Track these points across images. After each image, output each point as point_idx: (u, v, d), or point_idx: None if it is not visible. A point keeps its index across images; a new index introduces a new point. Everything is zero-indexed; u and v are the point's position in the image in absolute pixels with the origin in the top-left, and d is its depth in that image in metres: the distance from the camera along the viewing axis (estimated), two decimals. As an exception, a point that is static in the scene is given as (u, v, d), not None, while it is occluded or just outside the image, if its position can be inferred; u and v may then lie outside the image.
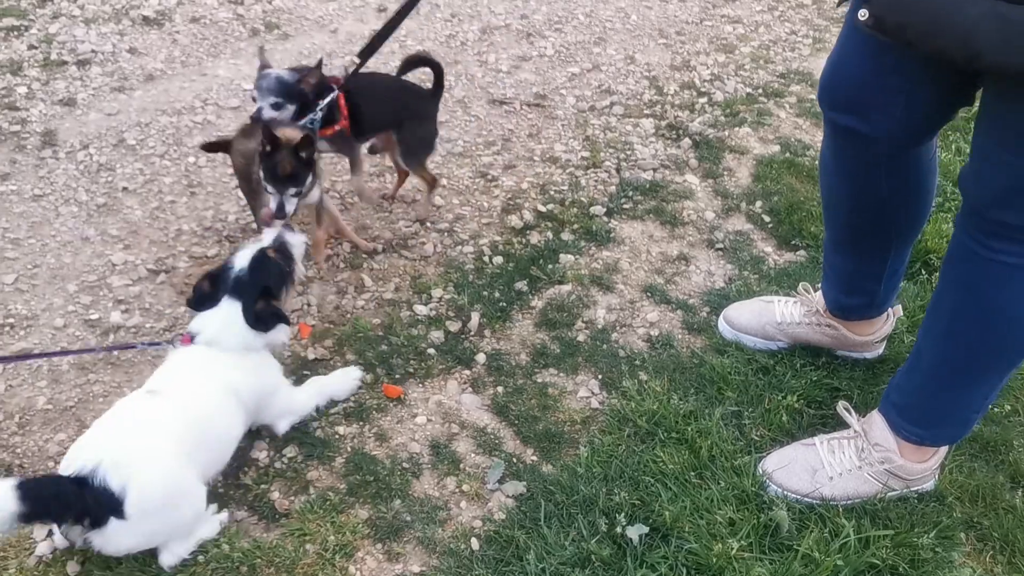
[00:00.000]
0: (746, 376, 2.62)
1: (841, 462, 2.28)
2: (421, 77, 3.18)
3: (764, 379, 2.62)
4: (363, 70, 2.87)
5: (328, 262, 3.02)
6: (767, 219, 3.45)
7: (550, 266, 3.06)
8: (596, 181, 3.59)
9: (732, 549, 2.07)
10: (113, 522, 1.84)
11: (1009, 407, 2.63)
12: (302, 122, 2.76)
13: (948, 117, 2.09)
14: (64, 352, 2.57)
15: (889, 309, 2.64)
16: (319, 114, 2.77)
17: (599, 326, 2.85)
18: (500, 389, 2.59)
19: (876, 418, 2.29)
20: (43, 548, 2.03)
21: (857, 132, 2.11)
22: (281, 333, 2.32)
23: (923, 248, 3.13)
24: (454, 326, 2.79)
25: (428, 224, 3.25)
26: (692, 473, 2.29)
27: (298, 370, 2.56)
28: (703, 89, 4.40)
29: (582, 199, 3.46)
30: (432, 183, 3.23)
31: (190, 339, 2.20)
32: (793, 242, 3.33)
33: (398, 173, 3.33)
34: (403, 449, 2.38)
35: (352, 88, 2.87)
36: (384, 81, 3.12)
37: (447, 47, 4.51)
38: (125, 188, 3.26)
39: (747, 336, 2.75)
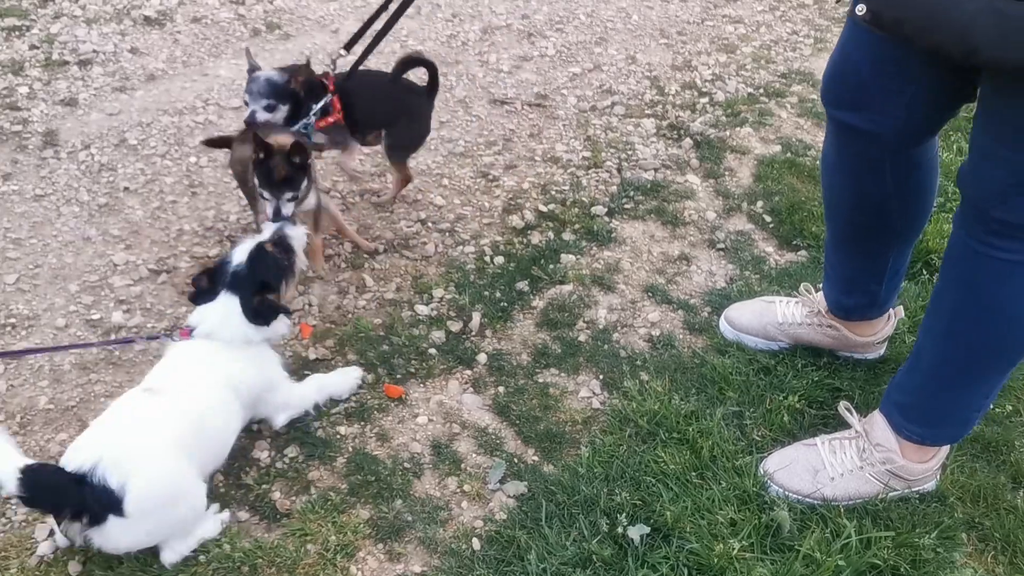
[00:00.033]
0: (747, 376, 2.62)
1: (842, 462, 2.27)
2: (422, 77, 3.18)
3: (765, 379, 2.62)
4: (360, 68, 2.87)
5: (329, 262, 3.02)
6: (768, 219, 3.45)
7: (551, 266, 3.07)
8: (597, 181, 3.59)
9: (733, 549, 2.07)
10: (112, 520, 1.84)
11: (1011, 407, 2.63)
12: (295, 127, 2.76)
13: (950, 114, 2.09)
14: (63, 347, 2.57)
15: (890, 310, 2.64)
16: (312, 119, 2.76)
17: (600, 326, 2.85)
18: (501, 389, 2.59)
19: (877, 418, 2.29)
20: (44, 548, 2.03)
21: (859, 130, 2.11)
22: (281, 326, 2.32)
23: (924, 248, 3.13)
24: (455, 326, 2.79)
25: (430, 224, 3.25)
26: (693, 473, 2.29)
27: (299, 370, 2.56)
28: (704, 89, 4.40)
29: (583, 199, 3.46)
30: (406, 181, 3.25)
31: (189, 333, 2.19)
32: (794, 242, 3.33)
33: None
34: (404, 449, 2.38)
35: (347, 88, 2.86)
36: (379, 79, 3.11)
37: (448, 47, 4.51)
38: (126, 188, 3.26)
39: (748, 336, 2.75)
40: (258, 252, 2.27)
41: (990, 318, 1.98)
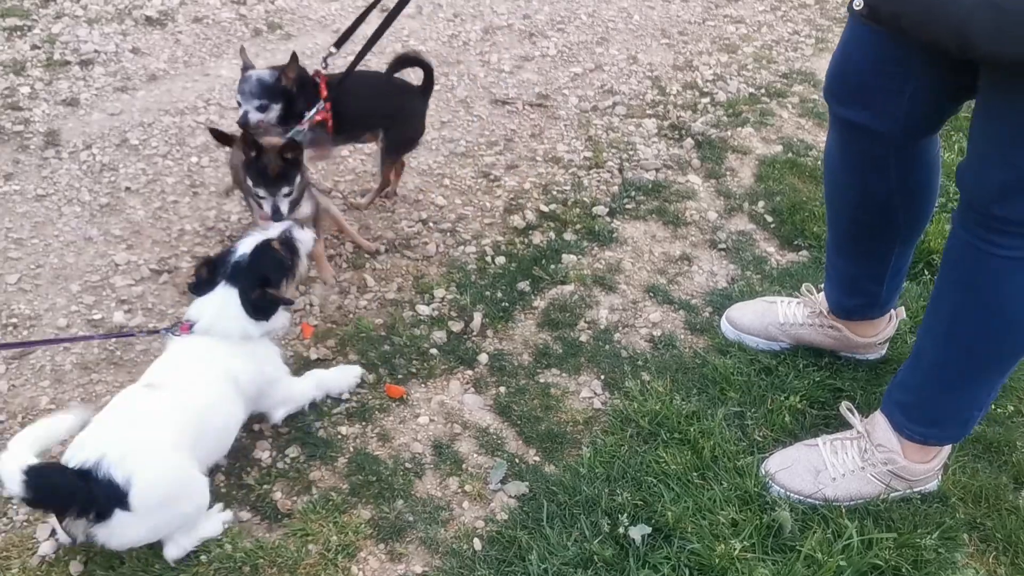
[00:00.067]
0: (749, 376, 2.62)
1: (844, 463, 2.27)
2: (415, 76, 3.18)
3: (767, 379, 2.62)
4: (357, 68, 2.86)
5: (331, 262, 3.02)
6: (770, 219, 3.45)
7: (552, 266, 3.06)
8: (598, 181, 3.59)
9: (735, 550, 2.07)
10: (118, 514, 1.84)
11: (1012, 408, 2.63)
12: (288, 134, 2.76)
13: (952, 111, 2.09)
14: (62, 339, 2.56)
15: (892, 311, 2.64)
16: (305, 127, 2.76)
17: (601, 326, 2.85)
18: (502, 389, 2.59)
19: (879, 419, 2.29)
20: (46, 548, 2.03)
21: (862, 126, 2.12)
22: (280, 320, 2.31)
23: (926, 248, 3.13)
24: (456, 326, 2.79)
25: (431, 224, 3.25)
26: (695, 474, 2.29)
27: (301, 370, 2.55)
28: (706, 89, 4.40)
29: (584, 199, 3.46)
30: (386, 184, 3.25)
31: (189, 327, 2.18)
32: (796, 242, 3.33)
33: (394, 170, 3.32)
34: (406, 449, 2.38)
35: (343, 89, 2.86)
36: (376, 80, 3.11)
37: (449, 47, 4.51)
38: (128, 188, 3.26)
39: (749, 337, 2.75)
40: (263, 248, 2.26)
41: (991, 316, 1.97)
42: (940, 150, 2.26)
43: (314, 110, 2.79)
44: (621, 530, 2.13)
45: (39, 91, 3.72)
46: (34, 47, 4.00)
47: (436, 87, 4.09)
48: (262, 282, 2.21)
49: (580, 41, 4.74)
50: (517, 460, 2.38)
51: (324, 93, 2.84)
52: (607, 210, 3.39)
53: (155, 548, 2.01)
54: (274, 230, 2.37)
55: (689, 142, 3.88)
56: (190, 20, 4.41)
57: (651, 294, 3.02)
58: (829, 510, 2.22)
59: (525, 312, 2.89)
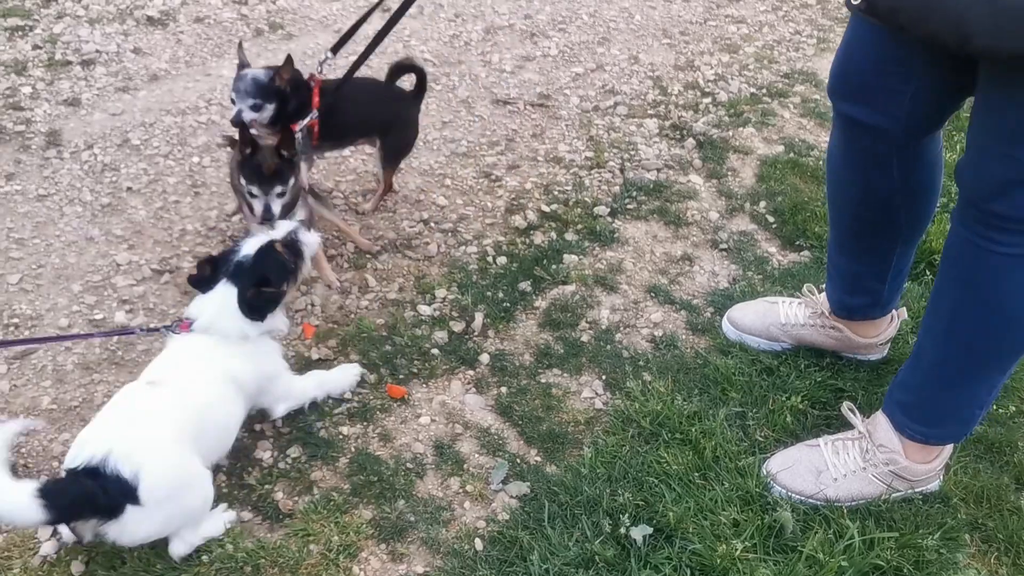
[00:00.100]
0: (750, 377, 2.62)
1: (845, 463, 2.27)
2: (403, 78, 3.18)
3: (768, 380, 2.62)
4: (355, 75, 2.87)
5: (332, 262, 3.02)
6: (771, 219, 3.45)
7: (554, 266, 3.06)
8: (600, 181, 3.59)
9: (736, 550, 2.07)
10: (129, 510, 1.85)
11: (1014, 408, 2.63)
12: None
13: (954, 108, 2.09)
14: (62, 337, 2.56)
15: (893, 311, 2.63)
16: (301, 136, 2.75)
17: (603, 326, 2.85)
18: (504, 389, 2.59)
19: (880, 419, 2.29)
20: (47, 548, 2.03)
21: (865, 124, 2.12)
22: (278, 321, 2.30)
23: (927, 248, 3.13)
24: (458, 326, 2.79)
25: (432, 224, 3.25)
26: (696, 474, 2.29)
27: (302, 370, 2.55)
28: (707, 89, 4.40)
29: (586, 199, 3.45)
30: (388, 189, 3.25)
31: (188, 326, 2.18)
32: (797, 242, 3.33)
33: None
34: (407, 449, 2.38)
35: (337, 99, 2.85)
36: (373, 87, 3.10)
37: (451, 47, 4.51)
38: (129, 188, 3.26)
39: (751, 337, 2.75)
40: (267, 249, 2.25)
41: (990, 313, 1.97)
42: (942, 149, 2.26)
43: (308, 118, 2.78)
44: (622, 530, 2.13)
45: (40, 91, 3.72)
46: (36, 47, 4.01)
47: (438, 87, 4.12)
48: (261, 282, 2.20)
49: (581, 41, 4.74)
50: (518, 460, 2.38)
51: (316, 100, 2.83)
52: (608, 210, 3.39)
53: (156, 548, 2.01)
54: (279, 231, 2.36)
55: (690, 142, 3.88)
56: (191, 20, 4.41)
57: (652, 294, 3.02)
58: (831, 510, 2.22)
59: (526, 312, 2.89)
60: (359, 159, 3.59)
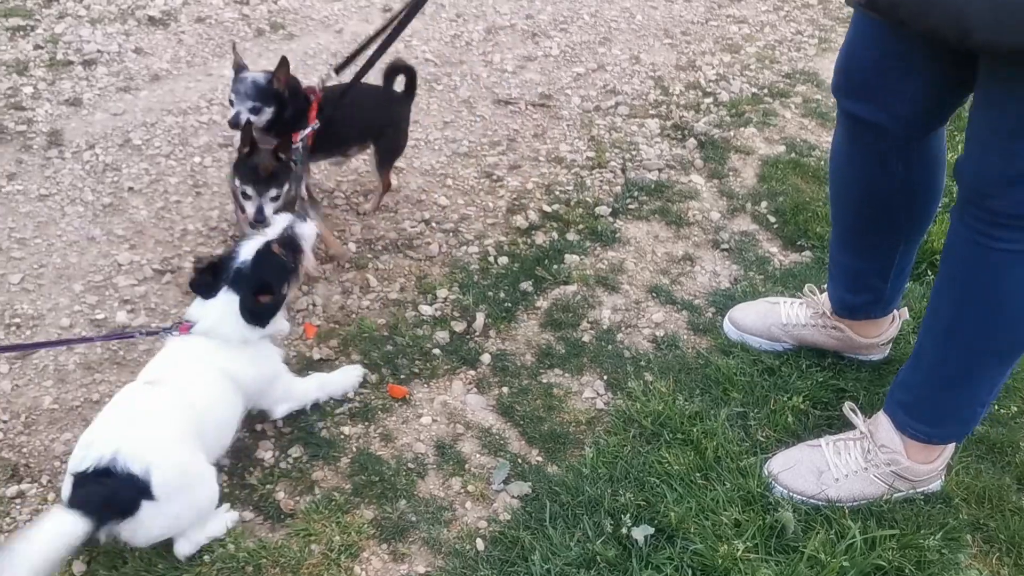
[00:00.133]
0: (752, 377, 2.62)
1: (847, 463, 2.27)
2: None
3: (770, 380, 2.61)
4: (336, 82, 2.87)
5: (333, 262, 3.02)
6: (772, 219, 3.45)
7: (555, 266, 3.06)
8: (601, 181, 3.59)
9: (738, 550, 2.07)
10: (145, 507, 1.86)
11: (1016, 408, 2.63)
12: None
13: (956, 104, 2.09)
14: (62, 342, 2.56)
15: (895, 311, 2.63)
16: (300, 144, 2.75)
17: (604, 326, 2.85)
18: (505, 389, 2.59)
19: (882, 419, 2.29)
20: (49, 548, 2.03)
21: (868, 121, 2.13)
22: (280, 325, 2.31)
23: (929, 248, 3.12)
24: (459, 326, 2.79)
25: (434, 224, 3.25)
26: (698, 474, 2.29)
27: (303, 370, 2.55)
28: (708, 89, 4.40)
29: (587, 199, 3.45)
30: (387, 188, 3.25)
31: (188, 327, 2.19)
32: (799, 242, 3.33)
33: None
34: (408, 449, 2.38)
35: (335, 109, 2.85)
36: (366, 92, 3.09)
37: (452, 47, 4.51)
38: (131, 188, 3.26)
39: (752, 337, 2.75)
40: (264, 252, 2.25)
41: (992, 311, 1.97)
42: (945, 146, 2.26)
43: (308, 130, 2.78)
44: (624, 531, 2.13)
45: (42, 91, 3.72)
46: (37, 47, 4.01)
47: (439, 87, 4.12)
48: (262, 290, 2.20)
49: (583, 41, 4.74)
50: (520, 460, 2.38)
51: (313, 115, 2.82)
52: (610, 210, 3.39)
53: (157, 548, 2.01)
54: (274, 228, 2.35)
55: (692, 142, 3.88)
56: (193, 20, 4.41)
57: (654, 294, 3.02)
58: (832, 511, 2.22)
59: (528, 312, 2.89)
60: (360, 159, 3.58)
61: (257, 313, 2.19)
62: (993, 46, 1.62)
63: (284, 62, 2.80)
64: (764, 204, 3.52)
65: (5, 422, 2.36)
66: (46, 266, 2.87)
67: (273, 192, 2.58)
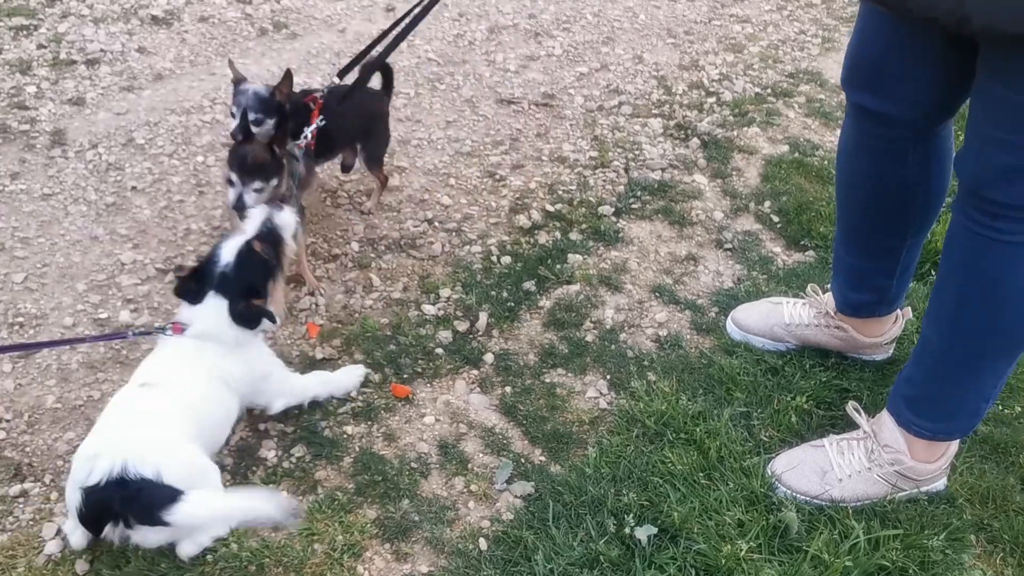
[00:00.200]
0: (755, 377, 2.62)
1: (850, 463, 2.27)
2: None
3: (773, 380, 2.61)
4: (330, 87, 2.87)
5: (336, 261, 3.02)
6: (776, 219, 3.44)
7: (558, 266, 3.06)
8: (604, 181, 3.59)
9: (741, 550, 2.06)
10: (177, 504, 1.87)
11: (1020, 408, 2.62)
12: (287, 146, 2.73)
13: (965, 93, 2.08)
14: (55, 343, 2.56)
15: (898, 311, 2.63)
16: (303, 147, 2.75)
17: (607, 326, 2.84)
18: (508, 389, 2.59)
19: (886, 418, 2.29)
20: (52, 547, 2.04)
21: (877, 113, 2.13)
22: (268, 323, 2.30)
23: (932, 248, 3.11)
24: (462, 326, 2.79)
25: (436, 224, 3.25)
26: (701, 474, 2.29)
27: (306, 370, 2.55)
28: (712, 89, 4.39)
29: (590, 199, 3.45)
30: (385, 182, 3.26)
31: (181, 328, 2.19)
32: (802, 242, 3.32)
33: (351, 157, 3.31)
34: (411, 449, 2.38)
35: (331, 114, 2.85)
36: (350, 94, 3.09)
37: (455, 46, 4.50)
38: (134, 187, 3.26)
39: (755, 337, 2.74)
40: (246, 252, 2.24)
41: (995, 303, 1.97)
42: (953, 142, 2.25)
43: (312, 127, 2.78)
44: (627, 530, 2.12)
45: (45, 90, 3.72)
46: (40, 46, 4.01)
47: (442, 87, 4.12)
48: (249, 292, 2.20)
49: (586, 41, 4.73)
50: (523, 460, 2.37)
51: (315, 118, 2.82)
52: (613, 210, 3.38)
53: (161, 547, 2.01)
54: (252, 223, 2.33)
55: (695, 142, 3.88)
56: (196, 19, 4.41)
57: (657, 294, 3.01)
58: (836, 511, 2.22)
59: (531, 312, 2.89)
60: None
61: (247, 316, 2.20)
62: (991, 31, 1.63)
63: (288, 75, 2.81)
64: (767, 204, 3.51)
65: (8, 421, 2.37)
66: (49, 265, 2.87)
67: (257, 184, 2.56)
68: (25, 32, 4.09)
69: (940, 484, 2.32)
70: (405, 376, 2.60)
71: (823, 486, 2.24)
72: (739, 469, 2.30)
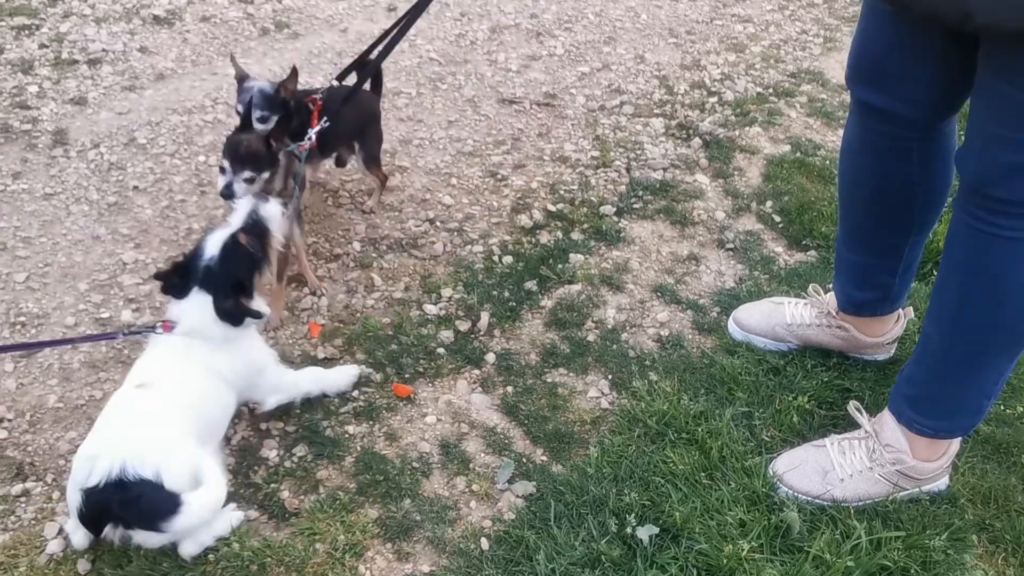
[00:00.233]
0: (757, 377, 2.61)
1: (852, 463, 2.27)
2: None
3: (775, 380, 2.61)
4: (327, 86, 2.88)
5: (338, 261, 3.02)
6: (777, 219, 3.44)
7: (560, 266, 3.06)
8: (606, 181, 3.59)
9: (743, 550, 2.06)
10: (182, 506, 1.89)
11: (1022, 408, 2.62)
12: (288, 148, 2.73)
13: (968, 90, 2.08)
14: (43, 344, 2.55)
15: (900, 310, 2.63)
16: (306, 148, 2.75)
17: (609, 326, 2.84)
18: (510, 389, 2.59)
19: (887, 418, 2.28)
20: (54, 546, 2.04)
21: (882, 110, 2.14)
22: (259, 311, 2.28)
23: (934, 248, 3.11)
24: (464, 325, 2.79)
25: (438, 223, 3.25)
26: (702, 474, 2.29)
27: (308, 369, 2.56)
28: (713, 88, 4.39)
29: (592, 199, 3.45)
30: (384, 181, 3.26)
31: (171, 326, 2.17)
32: (804, 242, 3.32)
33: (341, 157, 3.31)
34: (413, 448, 2.38)
35: (331, 114, 2.85)
36: (346, 93, 3.09)
37: (457, 46, 4.51)
38: (136, 187, 3.26)
39: (757, 337, 2.74)
40: (231, 245, 2.21)
41: (996, 299, 1.97)
42: (956, 140, 2.25)
43: (315, 130, 2.77)
44: (629, 530, 2.12)
45: (47, 90, 3.72)
46: (42, 46, 4.01)
47: (444, 86, 4.13)
48: (235, 287, 2.18)
49: (587, 40, 4.73)
50: (524, 460, 2.37)
51: (315, 121, 2.82)
52: (614, 209, 3.38)
53: (163, 547, 2.01)
54: (238, 215, 2.31)
55: (697, 141, 3.88)
56: (198, 19, 4.42)
57: (659, 294, 3.01)
58: (837, 511, 2.21)
59: (532, 312, 2.89)
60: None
61: (231, 313, 2.17)
62: (993, 28, 1.63)
63: (294, 72, 2.81)
64: (769, 204, 3.51)
65: (10, 420, 2.37)
66: (51, 265, 2.88)
67: (247, 174, 2.54)
68: (27, 32, 4.09)
69: (942, 483, 2.32)
70: (407, 376, 2.60)
71: (825, 486, 2.24)
72: (741, 469, 2.30)
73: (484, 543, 2.14)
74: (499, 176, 3.56)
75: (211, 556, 2.03)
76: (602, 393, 2.60)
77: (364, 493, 2.24)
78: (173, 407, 2.04)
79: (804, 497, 2.24)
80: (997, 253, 1.92)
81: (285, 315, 2.77)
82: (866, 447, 2.28)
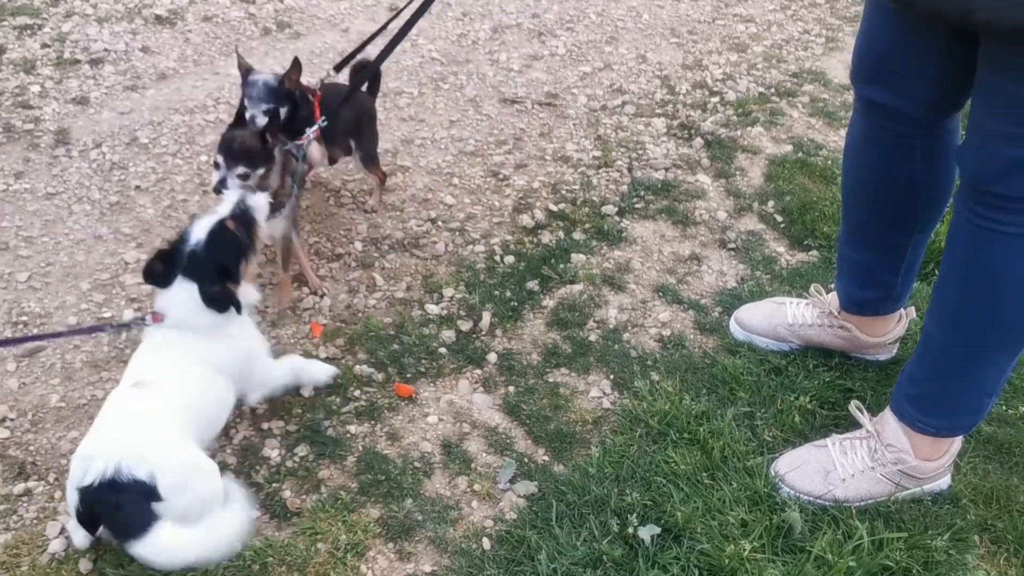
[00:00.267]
0: (758, 377, 2.61)
1: (854, 463, 2.27)
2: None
3: (776, 380, 2.61)
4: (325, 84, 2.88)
5: (339, 261, 3.02)
6: (779, 219, 3.44)
7: (561, 265, 3.06)
8: (608, 180, 3.58)
9: (744, 550, 2.06)
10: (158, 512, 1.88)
11: (1023, 409, 2.62)
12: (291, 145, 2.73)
13: (971, 88, 2.09)
14: (32, 337, 2.55)
15: (902, 310, 2.63)
16: (307, 142, 2.75)
17: (611, 326, 2.84)
18: (511, 389, 2.59)
19: (889, 417, 2.28)
20: (56, 546, 2.04)
21: (885, 107, 2.14)
22: (249, 295, 2.27)
23: (936, 248, 3.10)
24: (465, 325, 2.79)
25: (440, 223, 3.25)
26: (704, 474, 2.29)
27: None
28: (715, 88, 4.39)
29: (594, 198, 3.45)
30: (384, 179, 3.27)
31: (160, 317, 2.15)
32: (806, 242, 3.32)
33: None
34: (414, 448, 2.38)
35: (331, 111, 2.85)
36: (340, 93, 3.08)
37: (458, 46, 4.51)
38: (138, 186, 3.26)
39: (758, 337, 2.74)
40: (217, 231, 2.18)
41: (997, 295, 1.97)
42: (959, 138, 2.25)
43: (314, 127, 2.78)
44: (630, 530, 2.12)
45: (49, 89, 3.72)
46: (44, 46, 4.01)
47: (445, 86, 4.13)
48: (220, 273, 2.14)
49: (589, 40, 4.73)
50: (526, 459, 2.37)
51: (317, 115, 2.83)
52: (616, 209, 3.38)
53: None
54: (226, 204, 2.29)
55: (699, 141, 3.88)
56: (199, 19, 4.42)
57: (660, 294, 3.01)
58: (839, 511, 2.21)
59: (534, 311, 2.89)
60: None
61: (217, 299, 2.13)
62: (995, 23, 1.63)
63: (296, 63, 2.81)
64: (771, 203, 3.51)
65: (12, 420, 2.37)
66: (53, 264, 2.88)
67: (241, 170, 2.52)
68: (29, 31, 4.10)
69: (943, 483, 2.32)
70: (408, 375, 2.60)
71: (826, 486, 2.24)
72: (742, 469, 2.30)
73: (486, 543, 2.14)
74: (501, 176, 3.56)
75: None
76: (604, 393, 2.60)
77: (366, 493, 2.24)
78: (170, 405, 2.04)
79: (806, 497, 2.24)
80: (995, 249, 1.92)
81: (287, 315, 2.77)
82: (868, 447, 2.28)
